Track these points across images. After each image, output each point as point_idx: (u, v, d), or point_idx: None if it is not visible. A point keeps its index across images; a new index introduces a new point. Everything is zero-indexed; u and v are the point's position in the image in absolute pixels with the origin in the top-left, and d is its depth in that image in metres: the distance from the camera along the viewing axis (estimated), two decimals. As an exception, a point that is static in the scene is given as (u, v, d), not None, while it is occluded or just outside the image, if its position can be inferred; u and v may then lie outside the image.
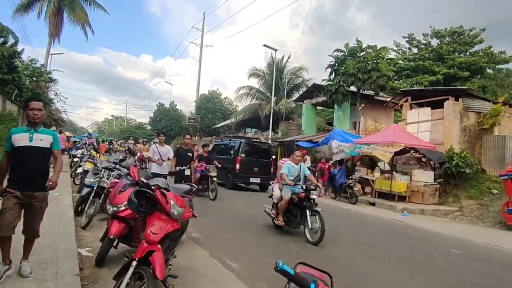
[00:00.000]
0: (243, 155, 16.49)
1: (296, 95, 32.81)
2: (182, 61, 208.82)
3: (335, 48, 23.15)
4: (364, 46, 22.18)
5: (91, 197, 7.38)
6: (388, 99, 24.61)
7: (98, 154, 11.28)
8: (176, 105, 52.57)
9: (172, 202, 3.84)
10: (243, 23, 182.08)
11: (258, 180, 16.58)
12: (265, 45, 28.84)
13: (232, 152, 17.17)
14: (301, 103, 31.14)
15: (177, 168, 9.74)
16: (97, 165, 8.09)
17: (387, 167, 16.89)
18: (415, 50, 39.86)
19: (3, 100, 17.15)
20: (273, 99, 29.32)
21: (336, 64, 22.81)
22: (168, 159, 9.77)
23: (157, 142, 10.57)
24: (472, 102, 17.28)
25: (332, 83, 21.96)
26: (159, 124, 50.47)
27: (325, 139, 19.51)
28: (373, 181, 16.14)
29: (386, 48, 22.41)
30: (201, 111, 44.62)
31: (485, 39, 35.60)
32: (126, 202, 4.82)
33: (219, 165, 14.06)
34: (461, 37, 36.48)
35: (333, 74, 22.83)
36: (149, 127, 64.71)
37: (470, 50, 36.19)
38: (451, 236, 9.87)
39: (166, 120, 49.87)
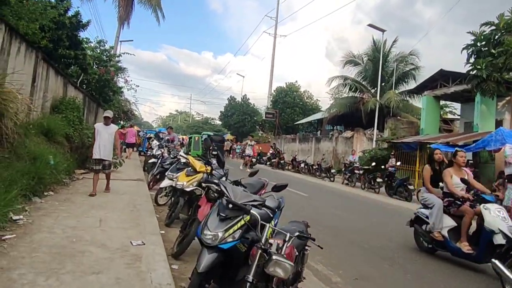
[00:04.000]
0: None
1: (403, 87, 27.27)
2: (242, 57, 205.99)
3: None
4: None
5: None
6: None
7: (209, 167, 6.57)
8: (248, 99, 48.30)
9: None
10: (303, 19, 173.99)
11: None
12: (370, 25, 23.73)
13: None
14: (412, 95, 25.76)
15: None
16: (228, 196, 3.48)
17: None
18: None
19: (64, 84, 13.39)
20: (379, 90, 24.03)
21: (478, 44, 17.22)
22: None
23: None
24: None
25: (480, 67, 16.34)
26: (231, 119, 46.51)
27: (482, 142, 14.04)
28: None
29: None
30: (278, 106, 40.06)
31: None
32: None
33: None
34: None
35: (474, 57, 17.27)
36: (217, 122, 61.53)
37: None
38: None
39: (238, 115, 45.73)
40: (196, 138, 28.54)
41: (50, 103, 11.91)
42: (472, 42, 17.52)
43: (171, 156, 10.82)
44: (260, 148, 35.49)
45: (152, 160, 12.46)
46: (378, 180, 17.11)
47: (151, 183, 10.70)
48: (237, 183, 5.25)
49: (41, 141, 8.94)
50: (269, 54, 43.05)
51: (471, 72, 16.94)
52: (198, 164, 6.94)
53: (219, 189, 3.87)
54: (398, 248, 6.93)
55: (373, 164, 18.27)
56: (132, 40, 44.10)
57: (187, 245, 5.03)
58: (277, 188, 4.44)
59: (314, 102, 44.09)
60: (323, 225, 8.09)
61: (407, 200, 15.06)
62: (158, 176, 10.62)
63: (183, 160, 8.44)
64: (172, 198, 8.58)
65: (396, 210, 12.34)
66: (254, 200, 3.63)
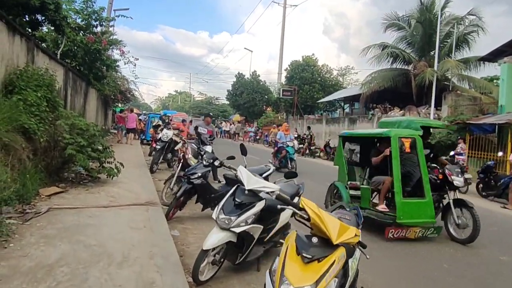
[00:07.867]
0: None
1: (459, 55, 22.43)
2: (238, 36, 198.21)
3: None
4: None
5: None
6: None
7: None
8: (259, 75, 43.14)
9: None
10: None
11: None
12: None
13: None
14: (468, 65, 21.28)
15: None
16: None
17: None
18: None
19: (28, 49, 8.80)
20: (437, 59, 19.35)
21: None
22: None
23: None
24: None
25: None
26: (239, 98, 41.59)
27: None
28: None
29: None
30: (295, 82, 35.29)
31: None
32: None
33: None
34: None
35: None
36: (221, 101, 57.07)
37: None
38: None
39: (247, 93, 40.78)
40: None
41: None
42: None
43: (204, 162, 6.29)
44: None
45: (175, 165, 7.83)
46: (467, 176, 12.68)
47: (173, 210, 6.19)
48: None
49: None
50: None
51: None
52: (336, 225, 2.44)
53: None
54: None
55: (452, 153, 13.84)
56: (128, 9, 38.70)
57: None
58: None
59: (334, 77, 39.23)
60: None
61: (520, 207, 10.71)
62: (182, 198, 6.15)
63: (250, 186, 3.92)
64: (224, 260, 4.20)
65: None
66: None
